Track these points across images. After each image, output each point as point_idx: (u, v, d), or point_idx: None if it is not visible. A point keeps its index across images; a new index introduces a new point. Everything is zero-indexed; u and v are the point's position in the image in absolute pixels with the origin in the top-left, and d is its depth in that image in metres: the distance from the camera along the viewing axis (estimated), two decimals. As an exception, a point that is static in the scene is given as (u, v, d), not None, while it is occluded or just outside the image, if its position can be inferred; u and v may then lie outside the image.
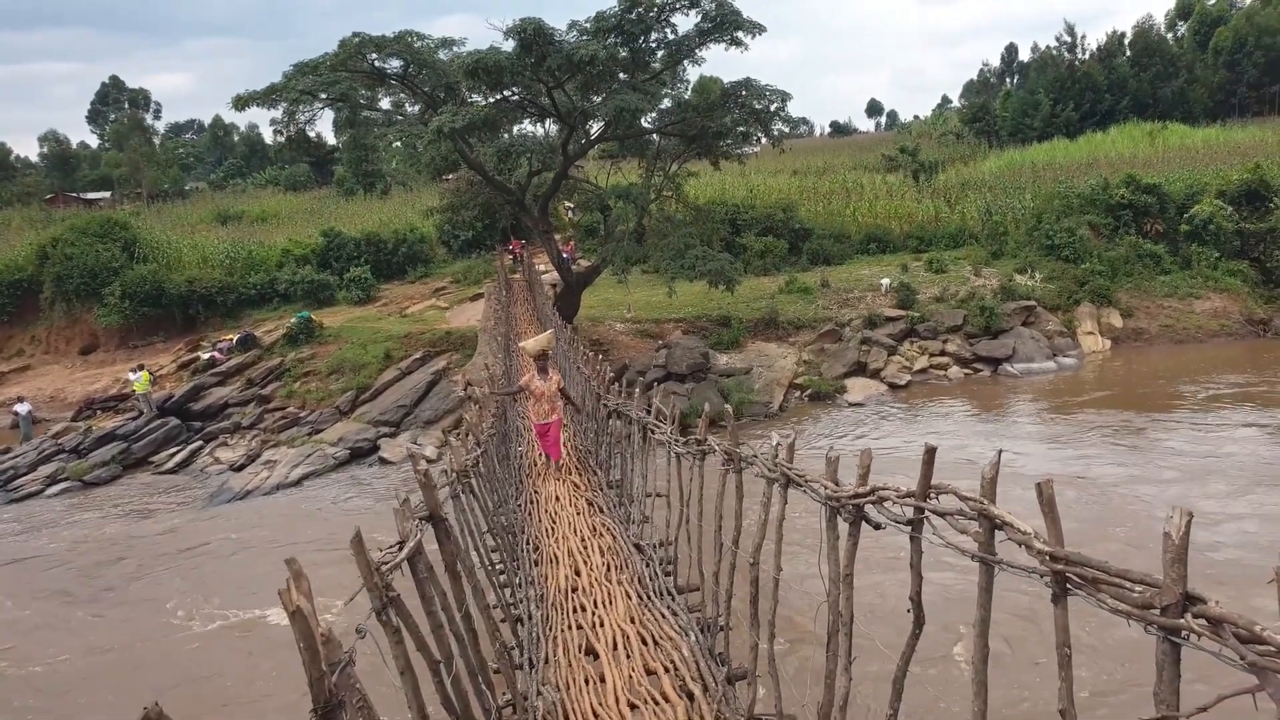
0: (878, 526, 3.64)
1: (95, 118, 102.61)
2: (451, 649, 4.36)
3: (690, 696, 5.66)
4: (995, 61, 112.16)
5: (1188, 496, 15.57)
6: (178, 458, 23.80)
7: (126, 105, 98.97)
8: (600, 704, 5.69)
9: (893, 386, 26.46)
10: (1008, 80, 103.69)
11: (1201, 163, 42.52)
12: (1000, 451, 2.93)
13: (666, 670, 6.09)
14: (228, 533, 18.26)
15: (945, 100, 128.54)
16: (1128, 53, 71.63)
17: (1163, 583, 2.05)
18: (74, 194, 71.65)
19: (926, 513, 3.16)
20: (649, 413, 9.95)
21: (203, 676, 12.17)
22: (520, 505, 11.23)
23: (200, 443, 24.87)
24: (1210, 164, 41.32)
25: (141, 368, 27.85)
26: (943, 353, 28.19)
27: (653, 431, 9.35)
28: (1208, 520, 13.88)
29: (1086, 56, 75.69)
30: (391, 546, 3.99)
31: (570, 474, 12.41)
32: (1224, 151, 45.77)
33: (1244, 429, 20.35)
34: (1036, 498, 2.48)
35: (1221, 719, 2.00)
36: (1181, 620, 2.00)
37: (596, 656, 6.51)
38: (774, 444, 5.19)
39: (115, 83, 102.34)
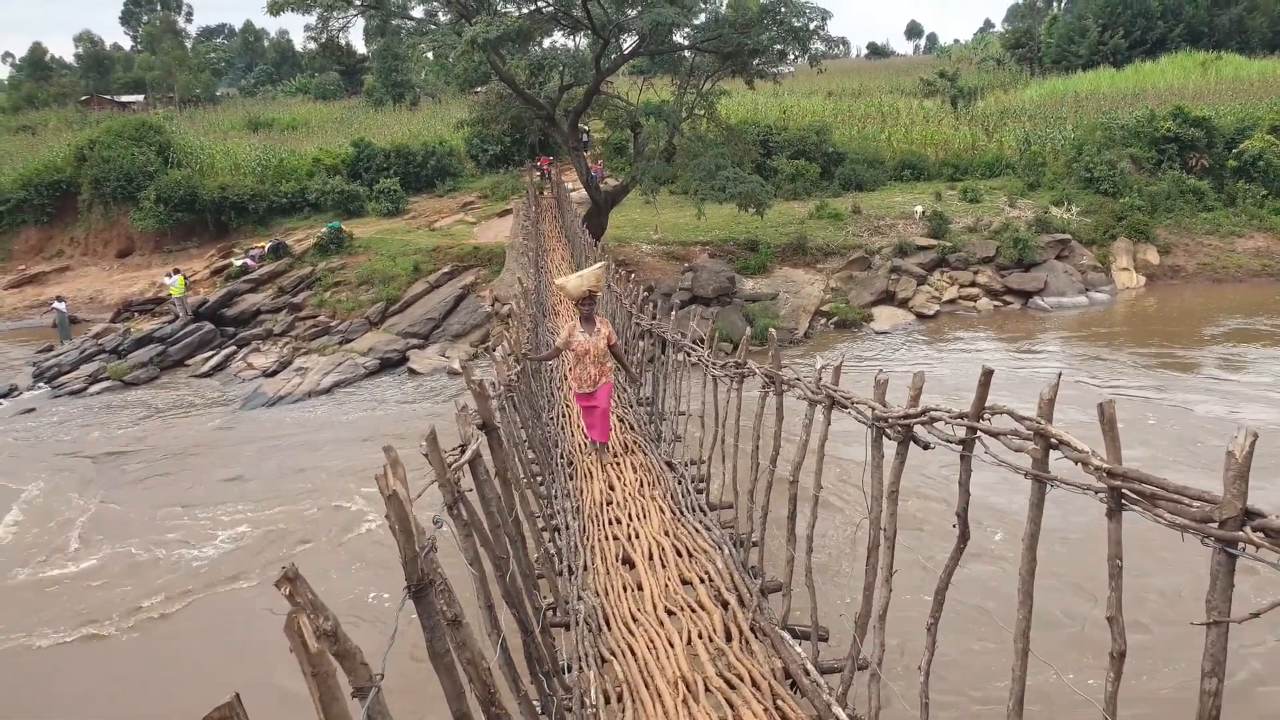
0: (927, 446, 3.76)
1: (129, 19, 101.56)
2: (508, 549, 4.59)
3: (725, 605, 5.88)
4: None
5: (1228, 418, 15.83)
6: (212, 362, 24.34)
7: (159, 7, 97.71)
8: (638, 609, 5.93)
9: (920, 316, 26.37)
10: (1055, 4, 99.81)
11: (1256, 95, 41.05)
12: (1060, 374, 3.02)
13: (702, 580, 6.31)
14: (282, 434, 18.86)
15: (988, 24, 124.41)
16: (1185, -23, 68.46)
17: (1223, 498, 2.17)
18: (108, 96, 71.35)
19: (979, 433, 3.27)
20: (682, 335, 10.06)
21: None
22: (553, 419, 11.46)
23: (234, 348, 25.37)
24: (1265, 97, 39.90)
25: (177, 272, 28.26)
26: (973, 284, 27.98)
27: (689, 354, 9.46)
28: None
29: (1141, -20, 72.40)
30: (454, 449, 4.17)
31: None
32: (1280, 84, 44.21)
33: (1271, 366, 20.27)
34: (1098, 417, 2.59)
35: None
36: (1240, 532, 2.12)
37: (633, 566, 6.75)
38: (818, 367, 5.29)
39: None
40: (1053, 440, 2.83)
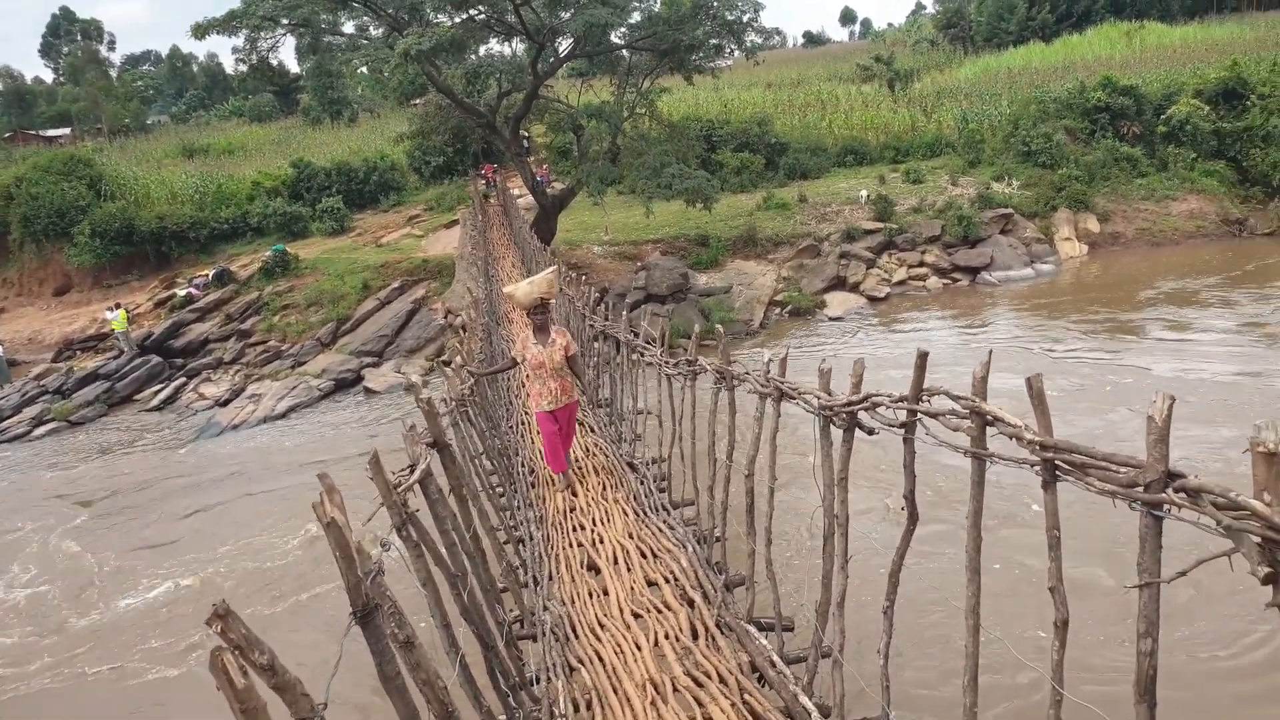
0: (871, 432, 3.79)
1: (48, 51, 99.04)
2: (465, 566, 4.55)
3: (691, 604, 5.88)
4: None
5: (1170, 385, 16.19)
6: (162, 395, 23.82)
7: (79, 37, 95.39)
8: (605, 615, 5.92)
9: (872, 299, 26.64)
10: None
11: (1179, 62, 42.22)
12: (990, 351, 3.06)
13: (667, 581, 6.31)
14: (240, 462, 18.62)
15: (920, 6, 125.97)
16: (1105, -51, 70.19)
17: (1146, 462, 2.22)
18: (33, 131, 69.52)
19: (919, 415, 3.31)
20: (636, 335, 10.04)
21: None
22: (512, 427, 11.39)
23: (183, 379, 24.86)
24: (1188, 63, 41.03)
25: (118, 306, 27.60)
26: (921, 264, 28.33)
27: (642, 354, 9.45)
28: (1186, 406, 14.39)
29: (1063, -45, 74.21)
30: (403, 470, 4.12)
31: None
32: (1202, 50, 45.43)
33: (1216, 323, 20.83)
34: (1027, 391, 2.63)
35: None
36: (1163, 495, 2.17)
37: (598, 571, 6.72)
38: (765, 360, 5.31)
39: (65, 14, 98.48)
40: (988, 417, 2.87)
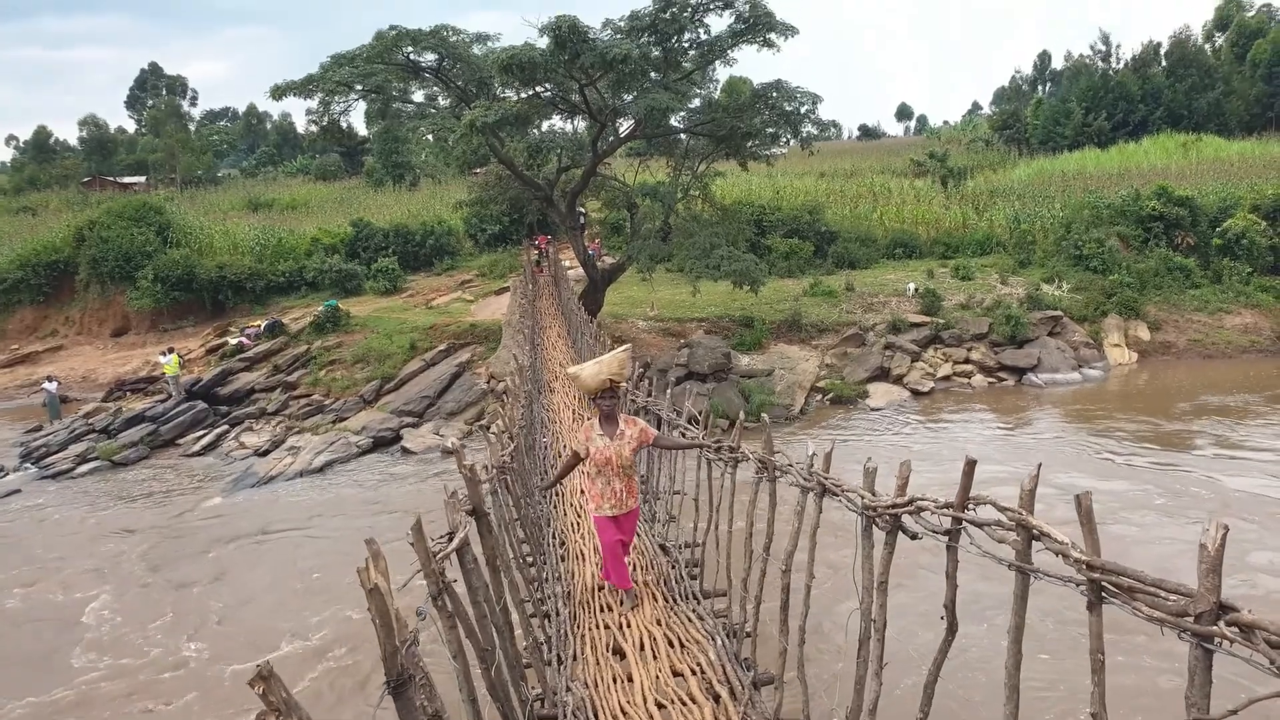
0: (914, 536, 3.75)
1: (134, 103, 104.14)
2: (494, 639, 4.53)
3: (717, 699, 5.72)
4: (1028, 69, 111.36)
5: (1218, 512, 15.73)
6: (204, 441, 24.16)
7: (164, 92, 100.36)
8: (628, 703, 5.77)
9: (915, 393, 26.43)
10: (1040, 88, 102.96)
11: (1236, 176, 42.13)
12: (1039, 465, 3.04)
13: (693, 672, 6.15)
14: (272, 516, 18.65)
15: (975, 106, 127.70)
16: (1163, 63, 71.15)
17: (1197, 591, 2.18)
18: (110, 178, 72.64)
19: (964, 523, 3.28)
20: (678, 413, 10.03)
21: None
22: (545, 497, 11.36)
23: (226, 427, 25.23)
24: (1245, 177, 40.96)
25: (172, 350, 28.32)
26: (967, 360, 28.12)
27: (684, 434, 9.40)
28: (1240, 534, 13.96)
29: (1121, 65, 75.47)
30: (441, 537, 4.15)
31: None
32: (1259, 165, 45.37)
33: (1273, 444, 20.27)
34: (1075, 510, 2.60)
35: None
36: (1215, 627, 2.12)
37: (623, 656, 6.58)
38: (810, 454, 5.28)
39: (154, 69, 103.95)
40: (1034, 531, 2.84)
